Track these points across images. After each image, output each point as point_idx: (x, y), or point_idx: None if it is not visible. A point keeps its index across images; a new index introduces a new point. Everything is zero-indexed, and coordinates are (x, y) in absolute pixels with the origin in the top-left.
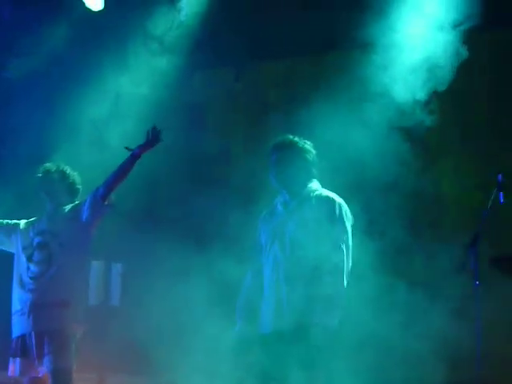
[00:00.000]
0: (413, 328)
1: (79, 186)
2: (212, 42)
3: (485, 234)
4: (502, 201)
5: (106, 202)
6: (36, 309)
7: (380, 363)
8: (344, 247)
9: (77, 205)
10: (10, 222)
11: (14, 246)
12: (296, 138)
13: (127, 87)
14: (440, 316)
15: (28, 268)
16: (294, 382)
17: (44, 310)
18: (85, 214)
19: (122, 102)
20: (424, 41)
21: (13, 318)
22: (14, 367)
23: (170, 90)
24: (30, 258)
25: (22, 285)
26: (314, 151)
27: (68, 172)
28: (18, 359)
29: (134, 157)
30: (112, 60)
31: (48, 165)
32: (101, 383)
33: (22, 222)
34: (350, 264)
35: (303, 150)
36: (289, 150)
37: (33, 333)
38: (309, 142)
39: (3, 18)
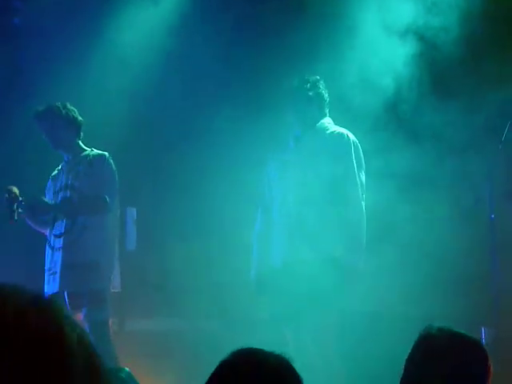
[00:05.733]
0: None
1: (80, 118)
2: None
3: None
4: None
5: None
6: (65, 269)
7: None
8: (359, 184)
9: (94, 160)
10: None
11: None
12: (307, 81)
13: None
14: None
15: (53, 225)
16: (306, 315)
17: (74, 271)
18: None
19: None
20: None
21: (45, 276)
22: None
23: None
24: (55, 215)
25: (50, 243)
26: (326, 92)
27: (63, 106)
28: None
29: None
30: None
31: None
32: (120, 327)
33: (49, 181)
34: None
35: (319, 89)
36: (305, 88)
37: (65, 293)
38: (322, 85)
39: None
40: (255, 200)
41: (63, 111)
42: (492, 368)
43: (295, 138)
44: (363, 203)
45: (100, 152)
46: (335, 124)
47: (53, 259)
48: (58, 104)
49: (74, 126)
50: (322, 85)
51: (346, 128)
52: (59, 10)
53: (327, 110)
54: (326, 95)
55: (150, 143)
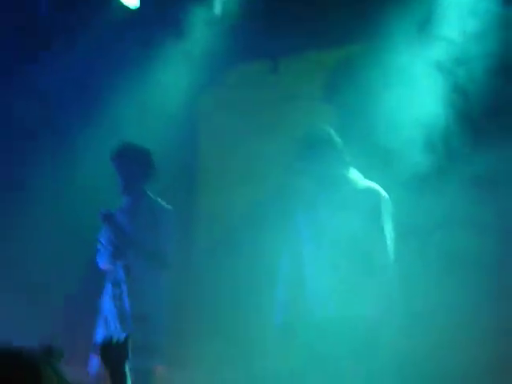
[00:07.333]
0: None
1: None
2: (247, 38)
3: None
4: None
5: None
6: (115, 317)
7: None
8: (389, 240)
9: (159, 211)
10: None
11: None
12: (320, 130)
13: (161, 87)
14: None
15: (111, 272)
16: (336, 372)
17: (123, 320)
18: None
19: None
20: None
21: (98, 321)
22: (92, 363)
23: (205, 85)
24: (113, 261)
25: (106, 289)
26: (339, 139)
27: (145, 151)
28: (96, 357)
29: None
30: (148, 57)
31: (123, 144)
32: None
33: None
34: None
35: (332, 142)
36: (317, 146)
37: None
38: (332, 130)
39: (40, 14)
40: (282, 249)
41: (149, 156)
42: None
43: (325, 193)
44: (392, 260)
45: (166, 205)
46: (363, 175)
47: (106, 305)
48: (145, 150)
49: (151, 171)
50: (332, 134)
51: (374, 176)
52: (87, 59)
53: (347, 159)
54: (340, 143)
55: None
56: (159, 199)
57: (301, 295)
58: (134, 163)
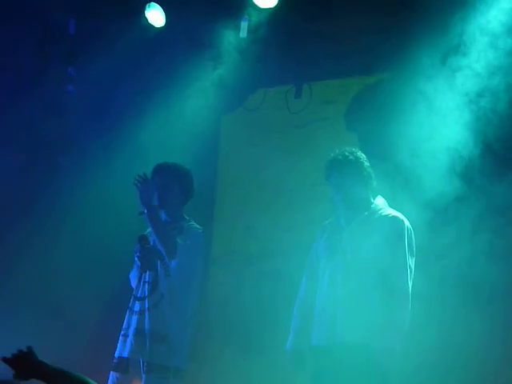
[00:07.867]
0: None
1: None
2: (272, 62)
3: None
4: None
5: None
6: (134, 335)
7: None
8: (409, 270)
9: (186, 230)
10: None
11: None
12: (349, 154)
13: (184, 107)
14: None
15: (138, 287)
16: None
17: (141, 339)
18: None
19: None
20: None
21: (120, 337)
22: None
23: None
24: (141, 277)
25: (129, 304)
26: (368, 163)
27: (186, 170)
28: (115, 373)
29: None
30: (174, 76)
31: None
32: None
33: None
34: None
35: (360, 167)
36: (346, 171)
37: (131, 360)
38: (362, 154)
39: (68, 31)
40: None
41: (188, 175)
42: None
43: (347, 218)
44: (409, 290)
45: (198, 227)
46: (387, 201)
47: (127, 321)
48: (186, 169)
49: (189, 191)
50: (360, 158)
51: (395, 201)
52: (112, 77)
53: (374, 183)
54: (369, 168)
55: None
56: (193, 222)
57: (313, 322)
58: (173, 179)
